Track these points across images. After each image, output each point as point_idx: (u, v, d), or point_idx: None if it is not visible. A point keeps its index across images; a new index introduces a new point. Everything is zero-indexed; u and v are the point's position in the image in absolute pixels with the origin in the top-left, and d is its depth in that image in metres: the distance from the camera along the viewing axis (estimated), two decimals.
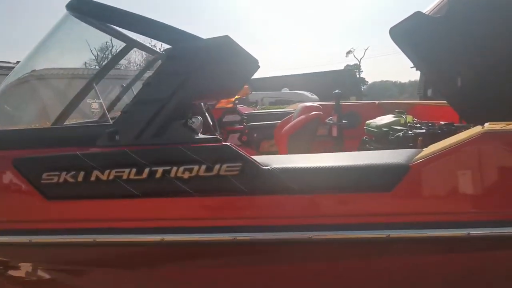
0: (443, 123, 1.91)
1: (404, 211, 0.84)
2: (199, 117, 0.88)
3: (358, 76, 34.39)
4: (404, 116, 2.18)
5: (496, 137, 0.85)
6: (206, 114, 2.67)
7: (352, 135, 2.99)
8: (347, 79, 28.06)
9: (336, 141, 2.02)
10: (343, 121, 2.05)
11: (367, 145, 2.31)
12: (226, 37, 0.79)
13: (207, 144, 0.86)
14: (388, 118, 2.24)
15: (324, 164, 0.84)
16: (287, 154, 2.43)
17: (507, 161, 0.85)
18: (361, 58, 35.15)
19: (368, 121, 2.33)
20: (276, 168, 0.86)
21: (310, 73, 29.67)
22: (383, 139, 2.04)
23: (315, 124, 2.45)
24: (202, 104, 2.57)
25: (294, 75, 30.15)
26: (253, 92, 23.26)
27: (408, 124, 2.07)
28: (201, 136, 0.88)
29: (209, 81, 0.78)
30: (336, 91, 2.03)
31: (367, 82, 37.81)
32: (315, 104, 2.53)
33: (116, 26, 1.05)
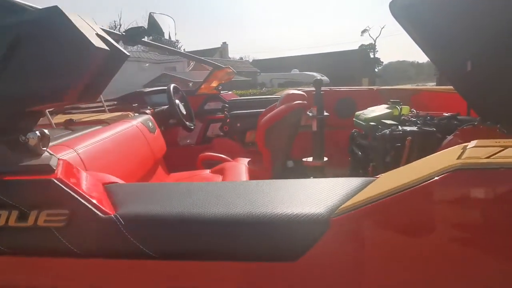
0: (446, 115, 1.59)
1: None
2: (37, 131, 0.58)
3: (373, 56, 33.01)
4: (398, 107, 1.85)
5: (477, 177, 0.48)
6: (178, 101, 2.40)
7: (345, 125, 2.67)
8: (360, 60, 26.93)
9: (315, 137, 1.73)
10: (325, 114, 1.75)
11: (356, 140, 2.01)
12: (55, 8, 0.51)
13: (23, 178, 0.55)
14: (380, 109, 1.92)
15: (197, 211, 0.55)
16: (265, 149, 2.16)
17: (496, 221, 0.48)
18: (376, 37, 33.64)
19: (357, 112, 2.01)
20: (122, 216, 0.54)
21: (321, 53, 28.65)
22: (371, 135, 1.73)
23: (297, 115, 2.15)
24: (171, 89, 2.29)
25: (305, 55, 29.22)
26: (261, 74, 22.81)
27: (402, 118, 1.74)
28: (32, 161, 0.59)
29: (35, 73, 0.50)
30: (317, 77, 1.72)
31: (382, 62, 36.28)
32: (299, 92, 2.21)
33: None
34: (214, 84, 2.97)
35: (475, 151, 0.48)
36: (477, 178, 0.48)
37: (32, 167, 0.55)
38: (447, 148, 0.58)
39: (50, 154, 0.60)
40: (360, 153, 1.92)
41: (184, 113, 2.41)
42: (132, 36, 1.98)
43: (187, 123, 2.37)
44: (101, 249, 0.54)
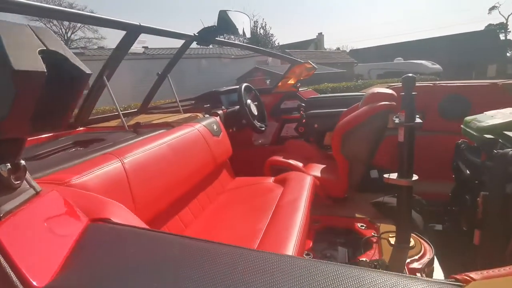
0: None
1: None
2: (10, 162, 0.50)
3: (504, 37, 26.86)
4: None
5: None
6: (250, 101, 2.30)
7: (451, 129, 2.13)
8: (486, 43, 22.18)
9: (402, 149, 1.36)
10: (417, 120, 1.35)
11: (464, 155, 1.53)
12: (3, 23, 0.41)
13: None
14: (504, 115, 1.40)
15: None
16: (341, 156, 1.85)
17: None
18: (509, 15, 27.27)
19: (468, 118, 1.53)
20: None
21: (433, 37, 24.72)
22: (486, 151, 1.27)
23: (383, 119, 1.77)
24: (242, 89, 2.20)
25: (412, 41, 25.76)
26: (358, 64, 21.13)
27: None
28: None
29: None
30: (409, 74, 1.33)
31: None
32: (387, 90, 1.82)
33: None
34: (292, 81, 2.77)
35: None
36: None
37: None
38: None
39: (30, 186, 0.54)
40: (468, 171, 1.45)
41: (256, 113, 2.30)
42: (205, 36, 1.96)
43: (258, 124, 2.25)
44: None
